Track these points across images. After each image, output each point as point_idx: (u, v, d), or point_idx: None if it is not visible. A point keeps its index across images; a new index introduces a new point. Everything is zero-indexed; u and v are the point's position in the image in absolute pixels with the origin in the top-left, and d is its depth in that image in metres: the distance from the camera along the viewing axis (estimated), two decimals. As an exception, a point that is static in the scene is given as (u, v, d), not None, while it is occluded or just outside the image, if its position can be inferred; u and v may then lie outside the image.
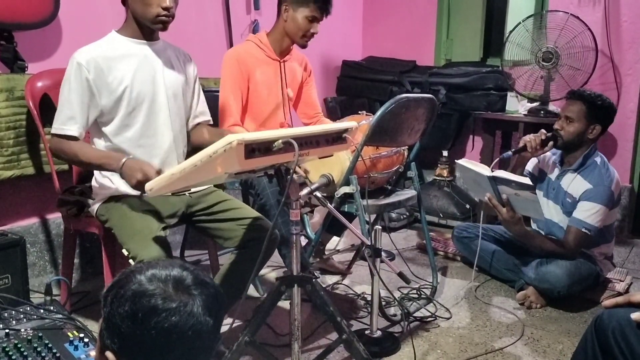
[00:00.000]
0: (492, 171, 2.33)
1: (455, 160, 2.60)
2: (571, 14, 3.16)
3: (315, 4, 2.26)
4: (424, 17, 4.12)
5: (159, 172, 1.62)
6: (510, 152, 2.49)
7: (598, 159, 2.47)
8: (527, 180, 2.25)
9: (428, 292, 2.54)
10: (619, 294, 2.50)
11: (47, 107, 2.18)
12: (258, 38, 2.41)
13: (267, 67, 2.39)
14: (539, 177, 2.62)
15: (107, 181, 1.85)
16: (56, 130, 1.76)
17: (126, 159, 1.68)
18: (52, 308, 1.66)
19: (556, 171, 2.58)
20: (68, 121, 1.75)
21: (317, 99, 2.65)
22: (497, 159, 2.47)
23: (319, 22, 2.32)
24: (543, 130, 2.49)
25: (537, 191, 2.40)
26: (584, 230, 2.37)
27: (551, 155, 2.61)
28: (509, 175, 2.31)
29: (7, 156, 2.22)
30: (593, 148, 2.48)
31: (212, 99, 2.59)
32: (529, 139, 2.46)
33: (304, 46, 2.37)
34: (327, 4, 2.29)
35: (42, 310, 1.64)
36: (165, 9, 1.74)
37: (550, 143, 2.45)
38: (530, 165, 2.66)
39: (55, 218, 2.53)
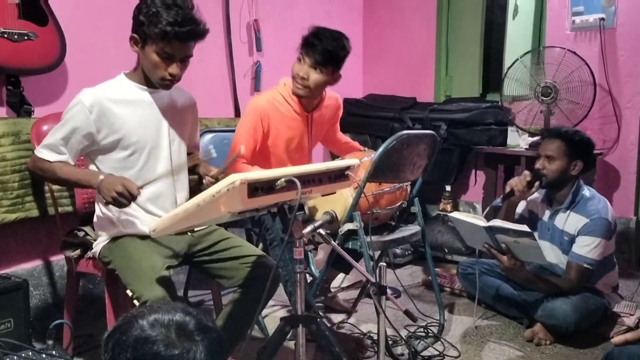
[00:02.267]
0: (488, 221, 2.33)
1: (448, 214, 2.60)
2: (568, 50, 3.21)
3: (303, 46, 2.20)
4: (422, 54, 4.20)
5: (139, 188, 1.66)
6: (499, 200, 2.48)
7: (586, 192, 2.47)
8: (524, 228, 2.24)
9: (435, 329, 2.50)
10: (629, 328, 2.46)
11: (53, 149, 2.20)
12: (287, 89, 2.31)
13: (293, 122, 2.33)
14: (530, 219, 2.61)
15: (110, 222, 1.85)
16: (38, 150, 1.81)
17: (104, 176, 1.70)
18: (54, 352, 1.64)
19: (547, 212, 2.58)
20: (53, 148, 1.78)
21: (341, 135, 2.67)
22: (488, 207, 2.50)
23: (309, 66, 2.18)
24: (526, 172, 2.50)
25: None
26: (585, 265, 2.35)
27: (538, 195, 2.60)
28: (505, 224, 2.30)
29: (11, 199, 2.23)
30: (579, 183, 2.48)
31: (216, 138, 2.62)
32: (514, 182, 2.47)
33: (297, 94, 2.26)
34: (308, 45, 2.17)
35: (44, 355, 1.62)
36: (171, 74, 1.78)
37: (537, 183, 2.45)
38: (520, 208, 2.65)
39: (59, 260, 2.52)
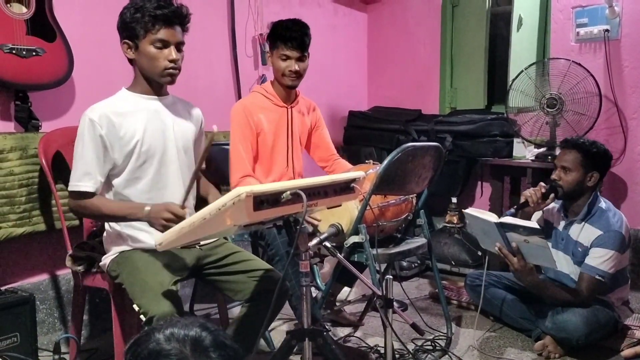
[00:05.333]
0: (500, 218, 2.31)
1: (463, 210, 2.59)
2: (573, 61, 3.21)
3: (281, 42, 2.35)
4: (427, 67, 4.21)
5: (182, 206, 1.66)
6: (512, 210, 2.47)
7: (603, 205, 2.45)
8: (534, 225, 2.22)
9: (443, 343, 2.48)
10: (640, 341, 2.43)
11: (60, 164, 2.22)
12: (264, 88, 2.48)
13: (274, 114, 2.44)
14: (545, 228, 2.58)
15: (118, 236, 1.86)
16: (72, 187, 1.78)
17: (150, 207, 1.70)
18: (60, 367, 1.64)
19: (562, 222, 2.56)
20: (84, 177, 1.77)
21: (330, 142, 2.68)
22: (502, 216, 2.48)
23: (294, 60, 2.35)
24: (542, 184, 2.48)
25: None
26: (597, 277, 2.32)
27: (554, 204, 2.58)
28: (516, 220, 2.29)
29: (19, 213, 2.25)
30: (596, 195, 2.46)
31: (221, 152, 2.63)
32: (530, 193, 2.45)
33: (289, 86, 2.41)
34: (289, 39, 2.33)
35: (50, 369, 1.62)
36: (171, 61, 1.80)
37: (552, 195, 2.44)
38: (535, 217, 2.63)
39: (66, 274, 2.53)
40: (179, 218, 1.63)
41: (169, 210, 1.65)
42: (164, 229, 1.64)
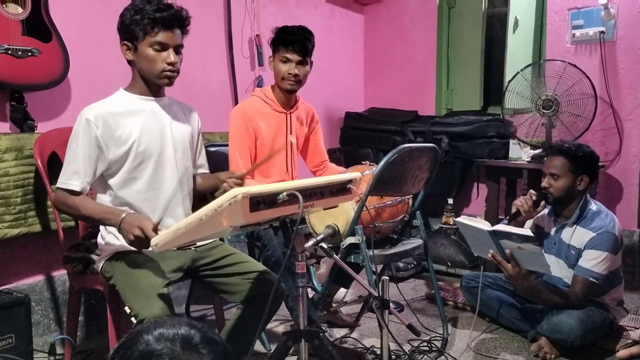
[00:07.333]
0: (492, 226, 2.32)
1: (454, 219, 2.60)
2: (568, 63, 3.22)
3: (283, 45, 2.34)
4: (424, 68, 4.22)
5: (156, 227, 1.62)
6: (505, 221, 2.47)
7: (594, 207, 2.45)
8: (527, 232, 2.23)
9: (439, 344, 2.48)
10: (635, 342, 2.43)
11: (55, 165, 2.21)
12: (263, 92, 2.47)
13: (273, 120, 2.43)
14: (536, 233, 2.58)
15: (112, 237, 1.85)
16: (61, 184, 1.78)
17: (126, 215, 1.68)
18: (55, 368, 1.64)
19: (553, 226, 2.56)
20: (73, 176, 1.77)
21: (323, 148, 2.69)
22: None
23: (295, 63, 2.34)
24: (532, 191, 2.49)
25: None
26: (591, 279, 2.33)
27: (545, 208, 2.58)
28: (509, 228, 2.29)
29: (14, 214, 2.24)
30: (586, 198, 2.47)
31: (217, 153, 2.63)
32: (520, 202, 2.46)
33: (288, 90, 2.40)
34: (291, 43, 2.32)
35: (45, 371, 1.62)
36: (170, 64, 1.80)
37: (542, 202, 2.45)
38: (528, 225, 2.63)
39: (61, 275, 2.52)
40: (147, 239, 1.59)
41: (140, 227, 1.61)
42: (132, 242, 1.63)
